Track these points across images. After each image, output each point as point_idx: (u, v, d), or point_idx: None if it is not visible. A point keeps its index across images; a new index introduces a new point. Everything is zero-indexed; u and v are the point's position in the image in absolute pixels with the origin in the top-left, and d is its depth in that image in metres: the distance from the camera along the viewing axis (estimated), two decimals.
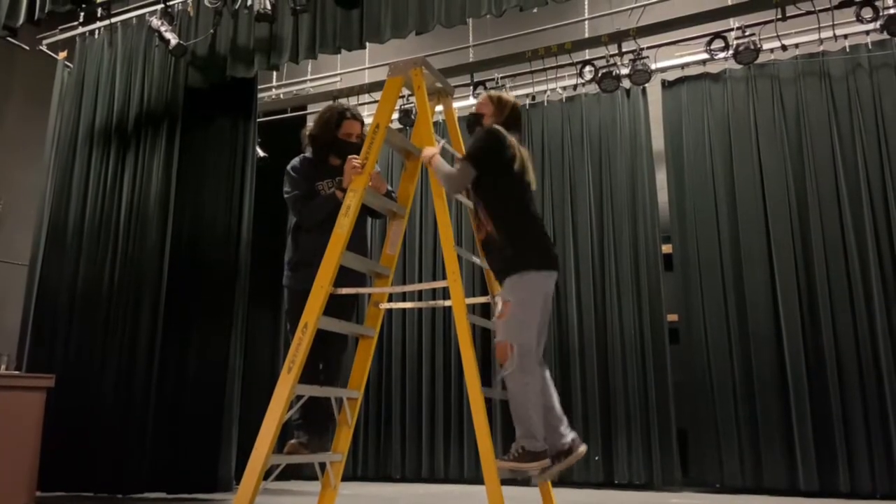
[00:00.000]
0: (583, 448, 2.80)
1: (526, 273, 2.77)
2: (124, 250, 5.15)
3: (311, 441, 3.16)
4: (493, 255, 2.94)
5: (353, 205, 2.98)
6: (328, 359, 3.29)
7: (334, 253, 2.90)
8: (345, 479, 4.11)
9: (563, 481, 5.54)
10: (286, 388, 2.71)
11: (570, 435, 2.82)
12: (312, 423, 3.20)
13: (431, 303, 4.18)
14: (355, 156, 3.11)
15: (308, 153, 3.55)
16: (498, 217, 2.88)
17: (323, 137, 3.49)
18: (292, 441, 3.15)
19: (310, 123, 3.57)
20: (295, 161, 3.54)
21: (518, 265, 2.78)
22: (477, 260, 3.13)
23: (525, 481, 2.96)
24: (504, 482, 2.60)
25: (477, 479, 5.71)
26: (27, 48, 6.03)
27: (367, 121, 3.49)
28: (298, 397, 2.86)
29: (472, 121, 3.15)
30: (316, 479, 3.08)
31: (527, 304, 2.75)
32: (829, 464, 4.92)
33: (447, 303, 2.97)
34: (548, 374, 2.87)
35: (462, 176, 2.88)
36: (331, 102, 3.60)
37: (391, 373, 6.43)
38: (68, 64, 5.90)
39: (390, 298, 3.41)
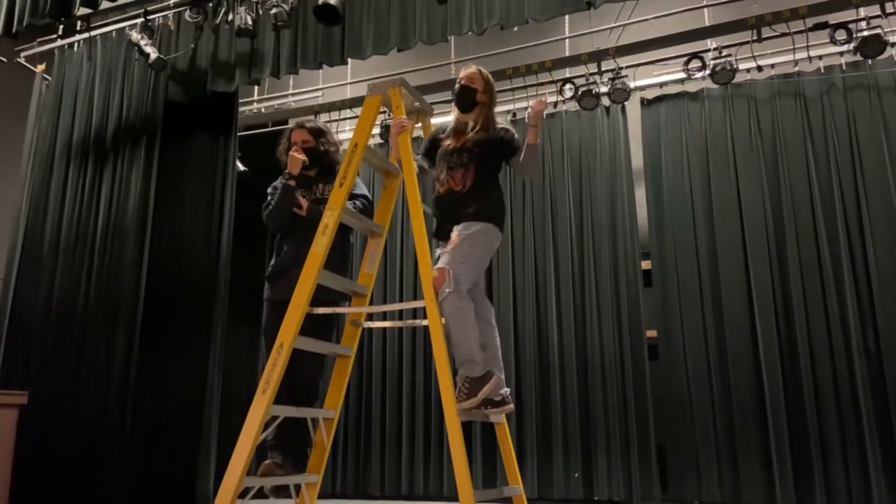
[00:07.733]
0: (511, 406, 2.94)
1: (481, 223, 2.98)
2: (101, 265, 5.09)
3: (286, 461, 3.14)
4: (450, 207, 3.07)
5: (332, 223, 2.98)
6: (304, 378, 3.27)
7: (311, 271, 2.90)
8: (324, 496, 4.08)
9: (541, 498, 5.54)
10: (261, 409, 2.69)
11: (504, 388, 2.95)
12: (287, 443, 3.17)
13: (409, 322, 4.18)
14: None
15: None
16: (479, 182, 3.06)
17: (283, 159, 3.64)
18: (267, 461, 3.13)
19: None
20: (276, 181, 3.64)
21: (477, 217, 2.99)
22: None
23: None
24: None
25: (457, 496, 5.67)
26: (4, 60, 5.95)
27: (348, 136, 3.54)
28: (274, 418, 2.84)
29: (463, 93, 3.28)
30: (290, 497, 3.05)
31: (475, 242, 2.95)
32: (806, 480, 4.96)
33: (425, 322, 2.97)
34: (493, 325, 3.10)
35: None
36: None
37: (371, 390, 6.38)
38: (46, 77, 5.84)
39: (370, 317, 3.40)
